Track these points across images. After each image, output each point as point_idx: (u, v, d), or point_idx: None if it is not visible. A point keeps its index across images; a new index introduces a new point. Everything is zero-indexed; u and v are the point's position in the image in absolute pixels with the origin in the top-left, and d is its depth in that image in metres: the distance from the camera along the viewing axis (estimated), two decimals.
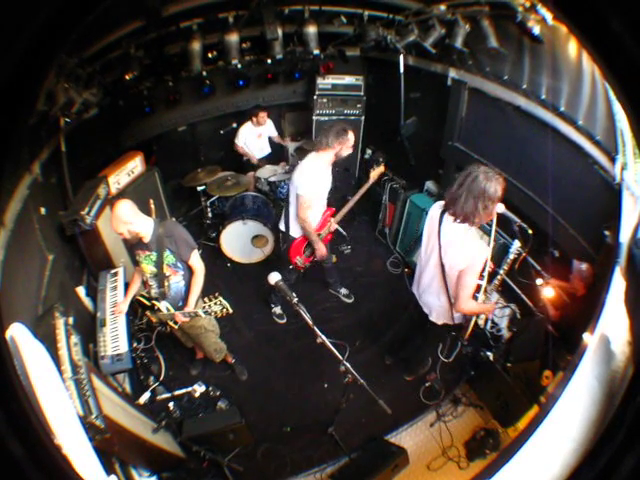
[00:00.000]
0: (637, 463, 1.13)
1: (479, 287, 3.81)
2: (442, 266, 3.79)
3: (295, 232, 5.28)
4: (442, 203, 3.75)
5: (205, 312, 3.87)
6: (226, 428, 4.37)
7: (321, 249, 5.27)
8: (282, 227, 5.45)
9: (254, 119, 7.48)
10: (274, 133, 8.02)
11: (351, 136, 4.91)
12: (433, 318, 4.24)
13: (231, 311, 3.85)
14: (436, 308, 4.16)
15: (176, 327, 4.40)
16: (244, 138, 7.67)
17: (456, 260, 3.59)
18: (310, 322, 3.34)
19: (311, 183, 4.87)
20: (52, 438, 1.82)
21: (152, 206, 5.93)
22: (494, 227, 3.74)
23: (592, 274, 4.06)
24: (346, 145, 4.88)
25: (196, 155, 8.34)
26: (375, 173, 5.55)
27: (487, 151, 5.44)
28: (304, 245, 5.37)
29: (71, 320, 3.43)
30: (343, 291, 6.47)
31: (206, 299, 3.88)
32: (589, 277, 4.08)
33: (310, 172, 4.89)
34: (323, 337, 3.35)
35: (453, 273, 3.72)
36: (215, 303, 3.82)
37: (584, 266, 4.11)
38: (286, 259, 5.50)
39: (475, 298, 3.80)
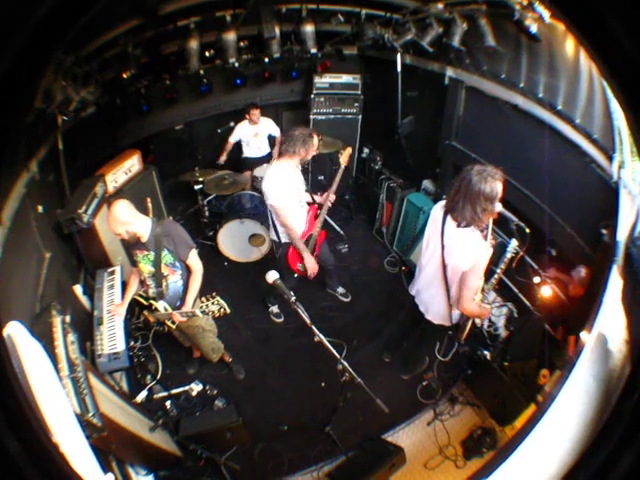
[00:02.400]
0: (635, 460, 1.14)
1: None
2: (444, 267, 3.78)
3: (286, 238, 5.15)
4: (444, 203, 3.73)
5: (202, 312, 3.86)
6: (223, 427, 4.37)
7: (309, 262, 5.15)
8: (273, 237, 5.32)
9: (247, 117, 7.47)
10: (276, 133, 7.94)
11: (316, 140, 4.85)
12: (429, 317, 4.23)
13: (229, 311, 3.84)
14: (433, 308, 4.16)
15: (174, 327, 4.40)
16: (239, 136, 7.66)
17: (460, 261, 3.56)
18: (308, 321, 3.34)
19: (280, 192, 4.77)
20: (49, 436, 1.82)
21: (149, 205, 5.93)
22: (490, 226, 3.73)
23: (589, 276, 4.07)
24: (312, 150, 4.83)
25: (193, 154, 8.33)
26: (344, 157, 5.27)
27: (484, 150, 5.45)
28: None
29: (68, 318, 3.42)
30: (340, 290, 6.46)
31: (203, 299, 3.87)
32: (586, 280, 4.09)
33: (277, 181, 4.79)
34: (320, 336, 3.35)
35: (455, 274, 3.71)
36: (212, 303, 3.81)
37: (583, 271, 4.11)
38: (285, 268, 5.36)
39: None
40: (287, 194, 4.82)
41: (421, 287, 4.22)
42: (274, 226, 5.12)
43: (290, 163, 4.83)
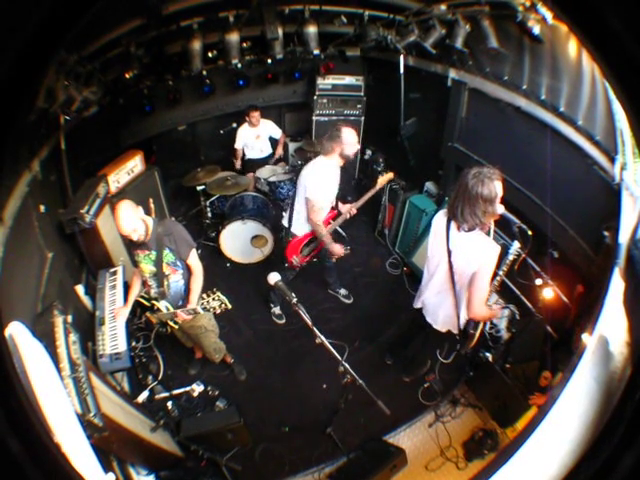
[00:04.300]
0: (635, 462, 1.13)
1: None
2: (452, 273, 3.77)
3: (297, 230, 5.26)
4: (445, 211, 3.73)
5: (204, 308, 3.87)
6: (224, 428, 4.37)
7: (334, 249, 5.22)
8: (285, 223, 5.41)
9: (247, 119, 7.48)
10: (277, 135, 7.94)
11: (346, 133, 4.81)
12: (438, 327, 4.21)
13: (229, 306, 3.86)
14: (441, 317, 4.14)
15: (176, 327, 4.40)
16: (242, 140, 7.67)
17: (470, 264, 3.55)
18: (309, 322, 3.34)
19: (321, 187, 4.86)
20: (51, 436, 1.82)
21: (152, 205, 5.94)
22: (492, 228, 3.73)
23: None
24: (345, 144, 4.80)
25: (196, 154, 8.34)
26: (382, 180, 5.38)
27: (487, 152, 5.44)
28: (302, 244, 5.34)
29: (70, 318, 3.43)
30: (342, 292, 6.47)
31: (204, 295, 3.88)
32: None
33: (321, 176, 4.87)
34: (322, 337, 3.35)
35: (464, 278, 3.70)
36: (213, 299, 3.83)
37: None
38: (282, 256, 5.49)
39: None
40: (326, 191, 4.93)
41: (428, 296, 4.19)
42: (291, 214, 5.22)
43: (330, 161, 4.90)
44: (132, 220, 3.74)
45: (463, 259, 3.62)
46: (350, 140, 4.84)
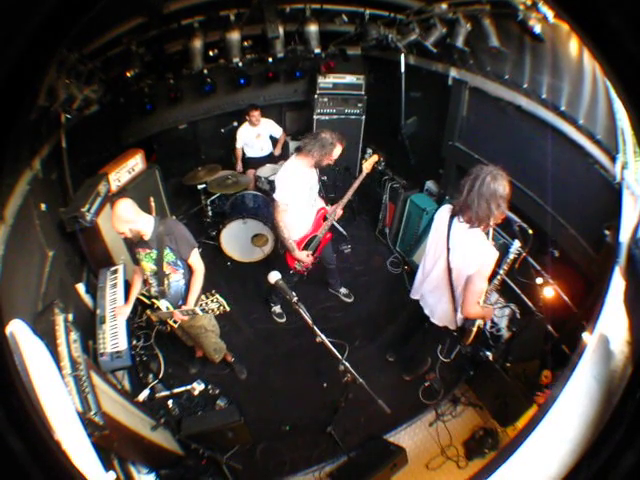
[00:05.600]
0: (635, 461, 1.13)
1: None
2: (449, 270, 3.79)
3: (291, 234, 5.09)
4: (449, 207, 3.73)
5: (202, 310, 3.86)
6: (225, 426, 4.37)
7: (298, 256, 5.15)
8: None
9: (247, 118, 7.48)
10: (278, 133, 7.96)
11: (337, 150, 4.80)
12: (434, 320, 4.23)
13: (228, 309, 3.85)
14: (438, 312, 4.16)
15: (176, 326, 4.40)
16: (243, 140, 7.67)
17: (466, 264, 3.57)
18: (310, 321, 3.33)
19: (286, 187, 4.76)
20: (51, 434, 1.82)
21: (152, 204, 5.94)
22: (491, 230, 3.74)
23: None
24: (328, 158, 4.78)
25: (197, 153, 8.33)
26: (368, 164, 5.29)
27: (488, 151, 5.44)
28: (301, 248, 5.25)
29: (71, 317, 3.42)
30: (343, 291, 6.48)
31: (203, 297, 3.88)
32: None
33: (286, 176, 4.79)
34: (322, 336, 3.34)
35: (460, 277, 3.71)
36: (212, 300, 3.82)
37: None
38: (284, 263, 5.42)
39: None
40: (293, 192, 4.81)
41: (426, 291, 4.21)
42: None
43: (304, 161, 4.82)
44: (125, 222, 3.71)
45: (461, 258, 3.64)
46: (335, 156, 4.86)
